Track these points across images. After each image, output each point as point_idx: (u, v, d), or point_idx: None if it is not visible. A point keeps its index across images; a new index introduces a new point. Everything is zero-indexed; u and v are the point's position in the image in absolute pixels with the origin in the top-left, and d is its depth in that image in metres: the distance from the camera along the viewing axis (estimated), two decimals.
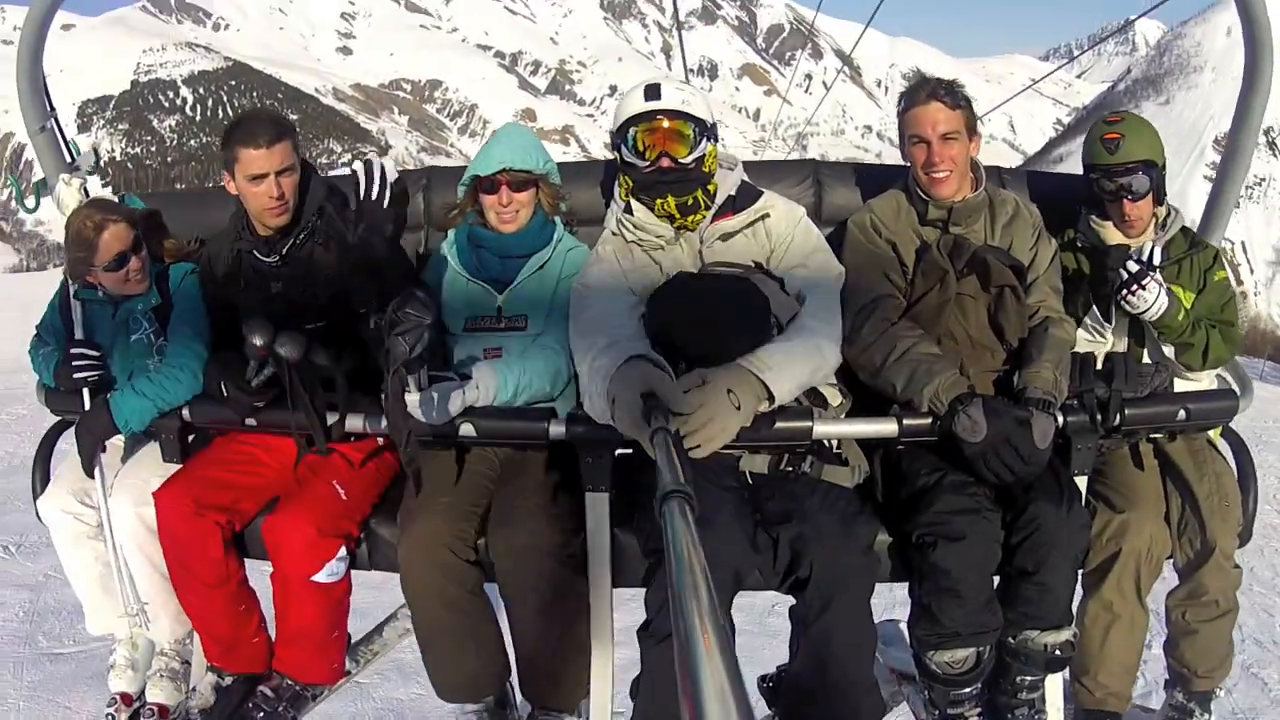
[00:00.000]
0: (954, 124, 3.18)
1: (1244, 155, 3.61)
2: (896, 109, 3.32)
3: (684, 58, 11.73)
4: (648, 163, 3.09)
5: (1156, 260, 3.09)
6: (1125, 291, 3.10)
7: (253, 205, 3.23)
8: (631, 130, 3.10)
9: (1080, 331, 3.29)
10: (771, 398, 2.77)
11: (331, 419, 3.06)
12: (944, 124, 3.17)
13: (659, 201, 3.11)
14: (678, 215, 3.11)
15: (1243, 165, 3.64)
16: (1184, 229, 3.45)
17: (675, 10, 9.84)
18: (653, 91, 3.09)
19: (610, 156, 3.41)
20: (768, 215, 3.20)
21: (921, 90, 3.22)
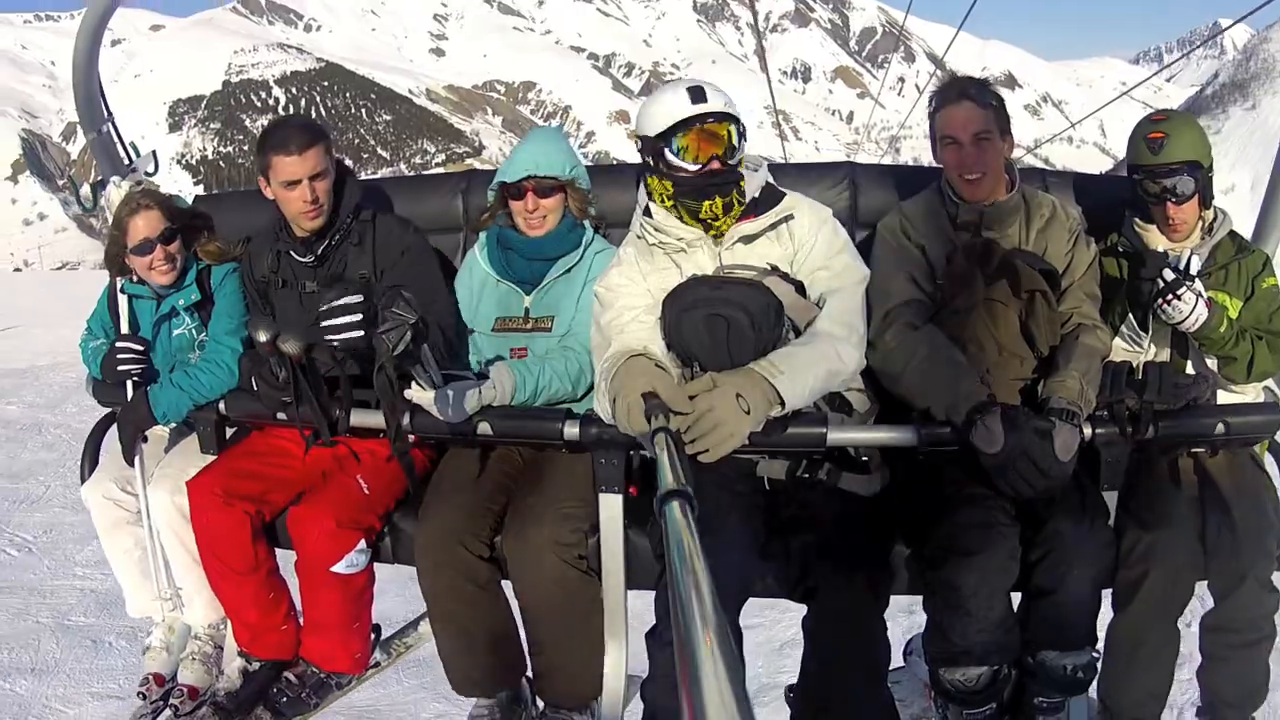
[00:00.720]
0: (986, 124, 3.08)
1: None
2: (928, 109, 3.25)
3: (764, 61, 11.63)
4: (699, 166, 2.97)
5: (1194, 268, 2.94)
6: (1160, 301, 2.96)
7: (288, 210, 3.32)
8: (677, 135, 2.98)
9: (1117, 341, 3.17)
10: (783, 402, 2.71)
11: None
12: (976, 124, 3.08)
13: (706, 204, 3.00)
14: (721, 215, 3.02)
15: None
16: (1232, 233, 3.28)
17: (754, 16, 9.78)
18: (699, 94, 2.98)
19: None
20: (791, 217, 3.10)
21: (952, 89, 3.13)
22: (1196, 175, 3.11)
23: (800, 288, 3.01)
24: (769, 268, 3.03)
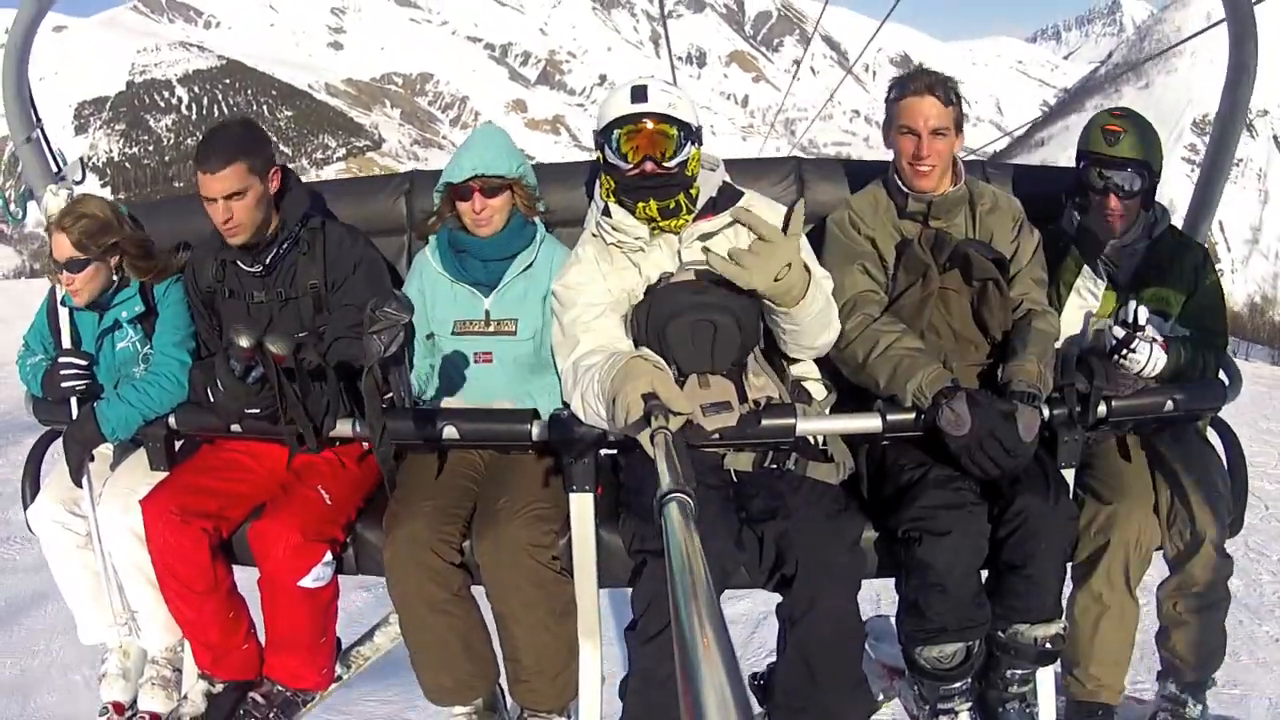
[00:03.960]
0: (945, 120, 3.16)
1: (1228, 152, 3.58)
2: (886, 96, 3.30)
3: (670, 51, 11.65)
4: (631, 165, 3.02)
5: (1142, 320, 3.01)
6: (1116, 357, 3.02)
7: (215, 223, 3.23)
8: (615, 132, 3.02)
9: (1074, 299, 3.29)
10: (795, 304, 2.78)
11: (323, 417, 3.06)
12: (935, 119, 3.14)
13: (640, 205, 3.05)
14: (659, 219, 3.06)
15: (1227, 162, 3.60)
16: (1171, 227, 3.39)
17: (661, 4, 9.78)
18: (639, 93, 3.01)
19: (593, 156, 3.39)
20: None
21: (918, 81, 3.18)
22: (1144, 175, 3.21)
23: None
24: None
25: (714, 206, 3.15)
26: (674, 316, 2.87)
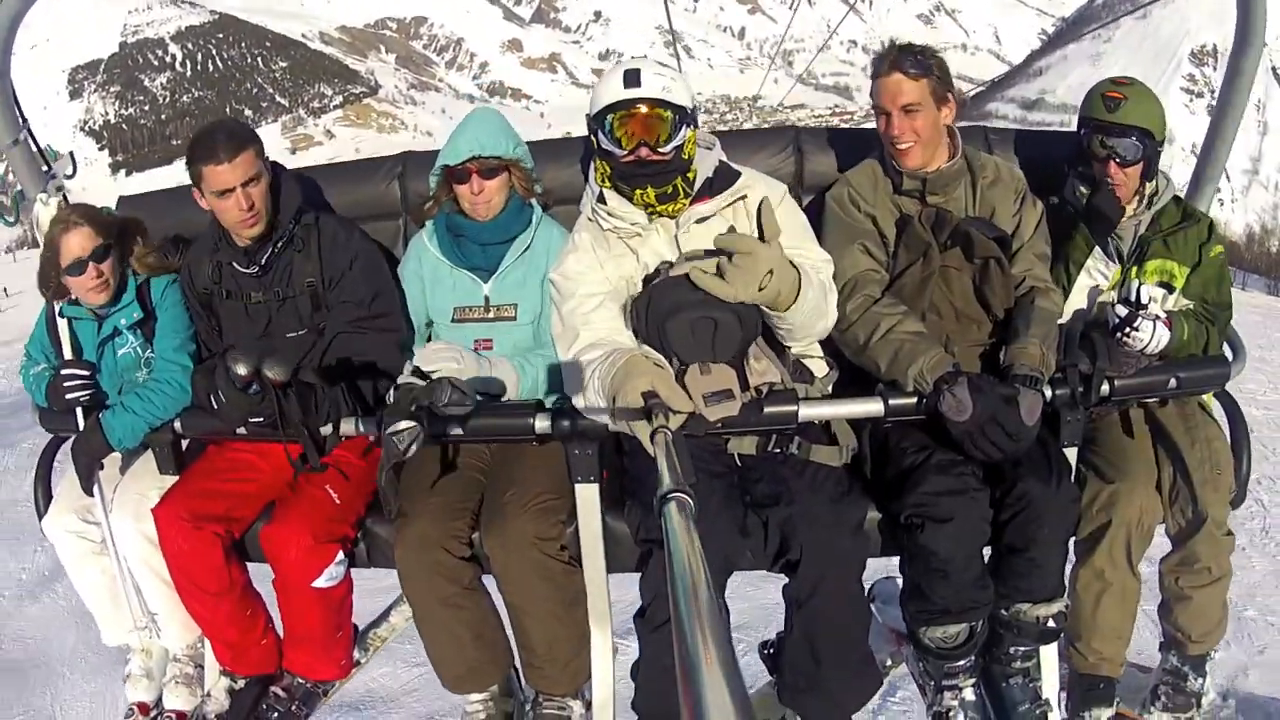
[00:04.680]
0: (916, 95, 3.08)
1: (1234, 117, 3.51)
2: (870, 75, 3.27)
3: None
4: (626, 152, 2.98)
5: (1144, 299, 2.99)
6: (1120, 336, 2.99)
7: (225, 220, 3.20)
8: (609, 118, 2.97)
9: (1083, 278, 3.28)
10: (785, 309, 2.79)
11: (325, 432, 3.09)
12: (905, 96, 3.08)
13: (637, 192, 3.02)
14: (656, 205, 3.03)
15: (1232, 127, 3.53)
16: (1176, 198, 3.35)
17: None
18: (632, 78, 2.94)
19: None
20: (746, 196, 3.12)
21: (884, 60, 3.13)
22: (1145, 144, 3.15)
23: None
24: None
25: (711, 187, 3.11)
26: (674, 313, 2.85)
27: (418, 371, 3.38)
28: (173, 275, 3.44)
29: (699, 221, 3.09)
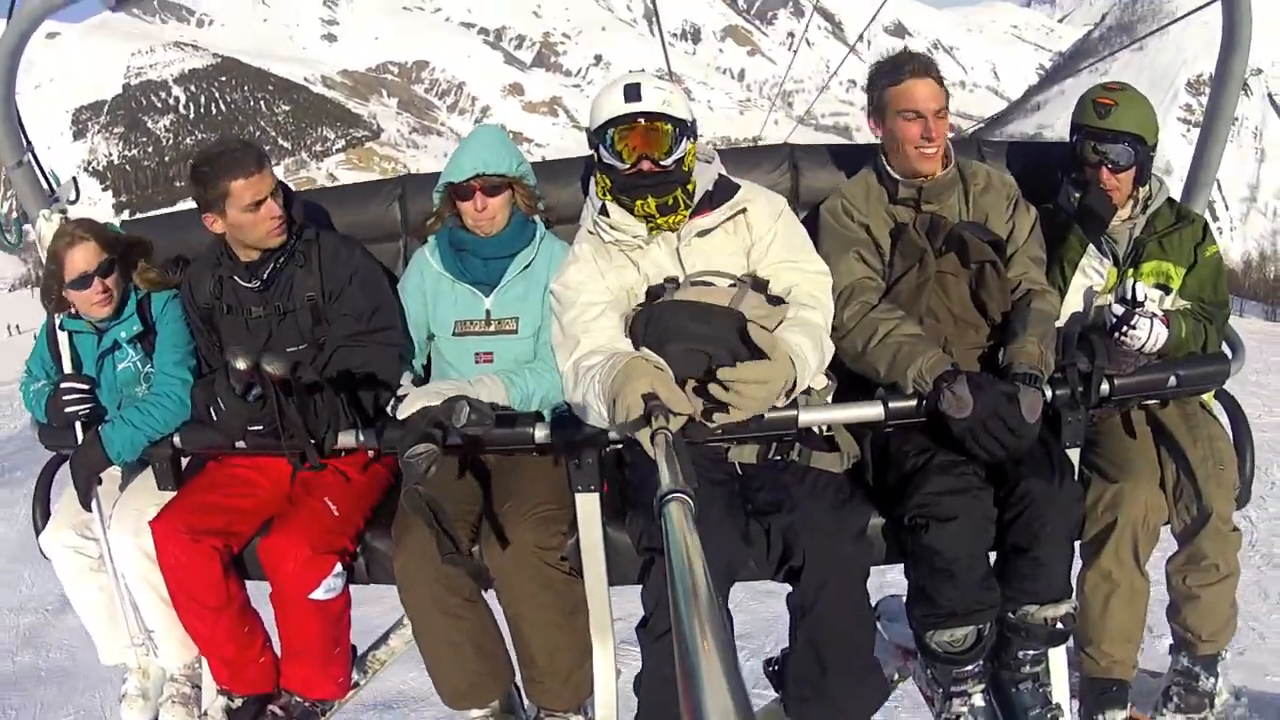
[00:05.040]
0: (942, 100, 3.18)
1: (1224, 120, 3.54)
2: (872, 84, 3.27)
3: (659, 23, 11.54)
4: (628, 165, 3.02)
5: (1140, 297, 3.00)
6: (1118, 335, 3.00)
7: (255, 233, 3.21)
8: (610, 131, 3.02)
9: (1078, 279, 3.27)
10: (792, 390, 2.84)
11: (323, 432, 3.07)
12: (936, 100, 3.15)
13: (639, 203, 3.05)
14: (657, 216, 3.06)
15: (1223, 130, 3.56)
16: (1170, 200, 3.37)
17: None
18: (632, 92, 2.99)
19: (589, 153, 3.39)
20: (745, 210, 3.15)
21: (915, 64, 3.18)
22: (1137, 149, 3.18)
23: (765, 286, 3.05)
24: (738, 279, 3.06)
25: (711, 200, 3.14)
26: (671, 340, 2.87)
27: (417, 381, 3.39)
28: (173, 290, 3.45)
29: (700, 235, 3.13)
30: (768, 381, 2.70)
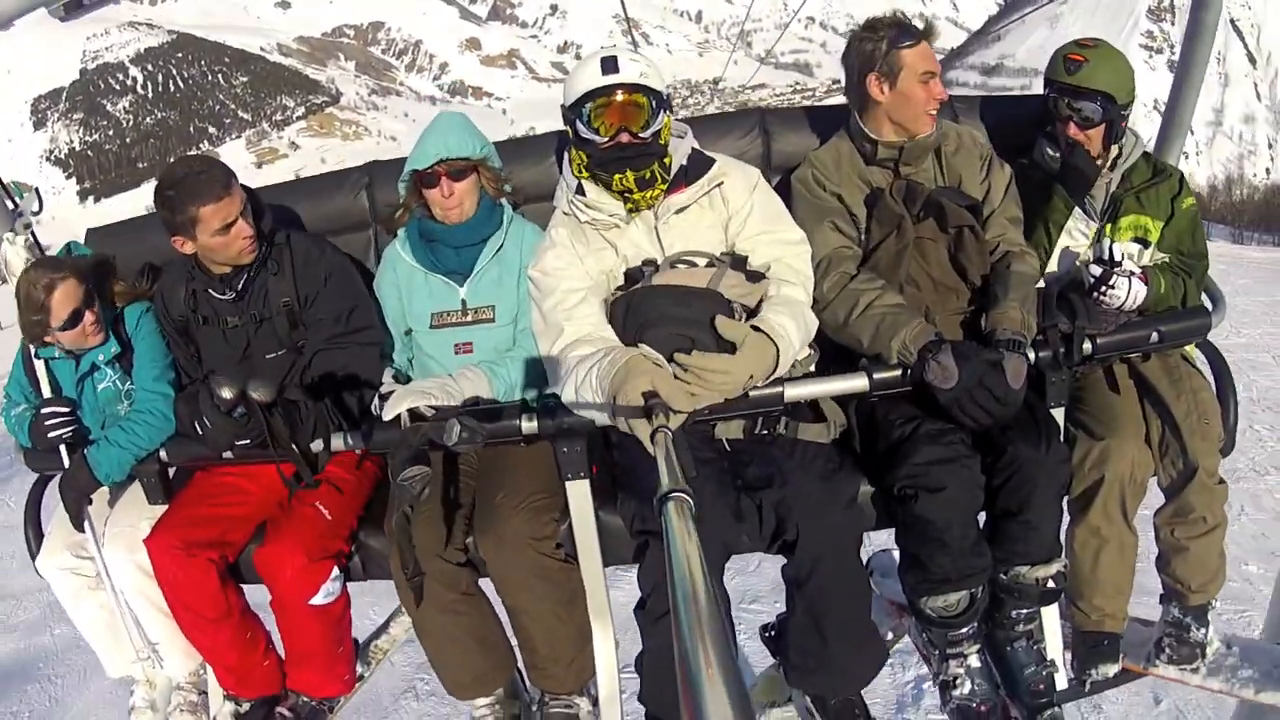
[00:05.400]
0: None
1: (1197, 71, 3.54)
2: (870, 48, 3.20)
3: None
4: (605, 139, 2.99)
5: (1118, 256, 3.01)
6: (1096, 295, 3.02)
7: (226, 254, 3.19)
8: (588, 106, 2.99)
9: (1065, 240, 3.29)
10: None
11: (316, 448, 3.08)
12: (935, 62, 3.18)
13: (617, 177, 3.02)
14: (635, 190, 3.04)
15: (1196, 80, 3.56)
16: (1145, 154, 3.37)
17: None
18: (609, 64, 2.97)
19: (559, 129, 3.34)
20: (721, 183, 3.14)
21: (914, 27, 3.19)
22: (1107, 107, 3.18)
23: (745, 263, 3.05)
24: (716, 259, 3.05)
25: (686, 175, 3.13)
26: (652, 325, 2.88)
27: (398, 376, 3.38)
28: (146, 305, 3.40)
29: (678, 212, 3.12)
30: (729, 372, 2.75)
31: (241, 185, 3.24)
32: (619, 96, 2.97)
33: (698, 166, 3.14)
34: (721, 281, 2.95)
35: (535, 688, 3.31)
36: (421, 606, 3.09)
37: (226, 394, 2.79)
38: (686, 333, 2.84)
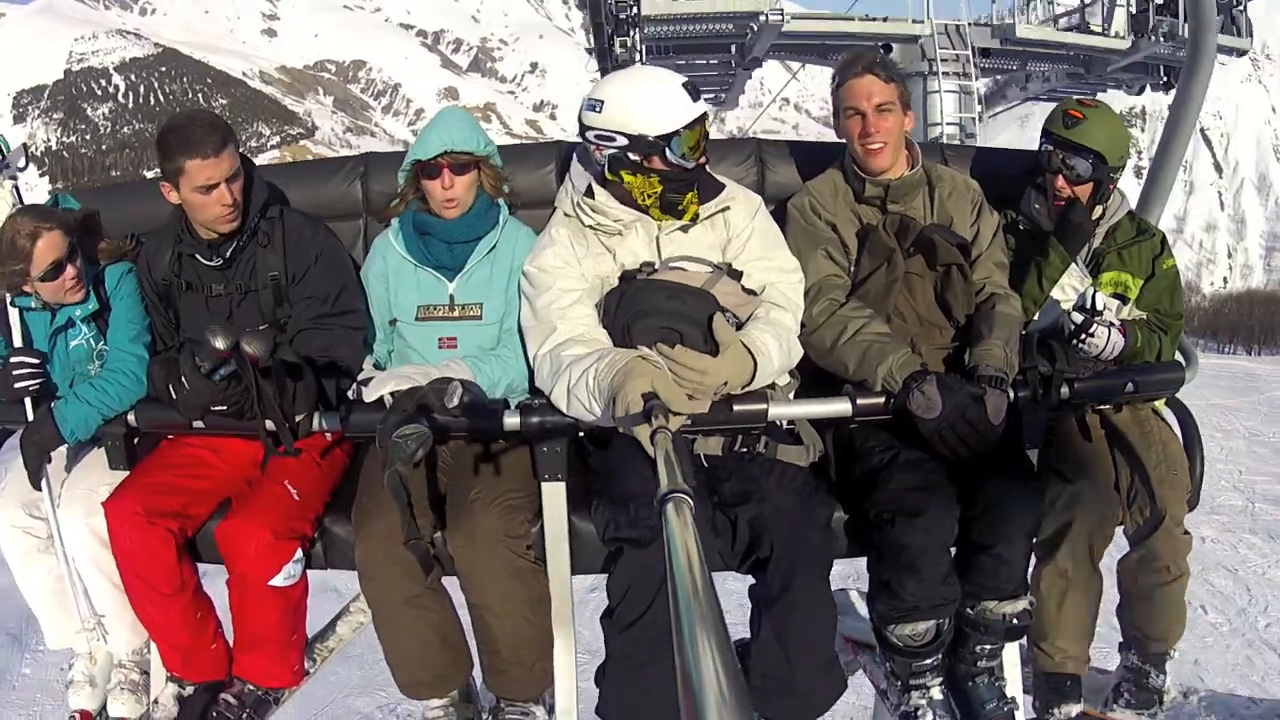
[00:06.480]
0: (889, 95, 3.21)
1: (1183, 134, 3.67)
2: (831, 86, 3.34)
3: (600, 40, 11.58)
4: (692, 163, 3.05)
5: (1099, 305, 3.11)
6: (1075, 342, 3.11)
7: (204, 215, 3.13)
8: (684, 133, 3.01)
9: (1058, 293, 3.36)
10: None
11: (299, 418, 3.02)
12: (879, 95, 3.19)
13: (689, 195, 3.10)
14: (697, 206, 3.13)
15: (1180, 148, 3.70)
16: (1130, 214, 3.49)
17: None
18: (694, 92, 3.06)
19: (570, 140, 3.41)
20: (729, 208, 3.20)
21: (857, 64, 3.24)
22: (1097, 167, 3.28)
23: (739, 277, 3.09)
24: (714, 266, 3.09)
25: (698, 195, 3.19)
26: (643, 316, 2.90)
27: (377, 366, 3.36)
28: (128, 265, 3.35)
29: (682, 228, 3.16)
30: (706, 373, 2.77)
31: (243, 156, 3.22)
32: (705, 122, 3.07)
33: (710, 188, 3.21)
34: (716, 286, 2.98)
35: (490, 694, 3.24)
36: (384, 599, 3.03)
37: (220, 344, 2.70)
38: (676, 326, 2.86)
